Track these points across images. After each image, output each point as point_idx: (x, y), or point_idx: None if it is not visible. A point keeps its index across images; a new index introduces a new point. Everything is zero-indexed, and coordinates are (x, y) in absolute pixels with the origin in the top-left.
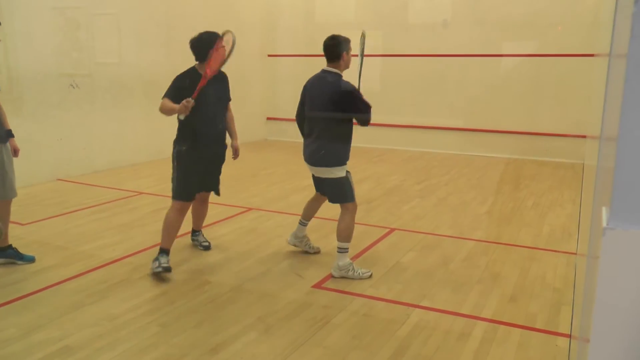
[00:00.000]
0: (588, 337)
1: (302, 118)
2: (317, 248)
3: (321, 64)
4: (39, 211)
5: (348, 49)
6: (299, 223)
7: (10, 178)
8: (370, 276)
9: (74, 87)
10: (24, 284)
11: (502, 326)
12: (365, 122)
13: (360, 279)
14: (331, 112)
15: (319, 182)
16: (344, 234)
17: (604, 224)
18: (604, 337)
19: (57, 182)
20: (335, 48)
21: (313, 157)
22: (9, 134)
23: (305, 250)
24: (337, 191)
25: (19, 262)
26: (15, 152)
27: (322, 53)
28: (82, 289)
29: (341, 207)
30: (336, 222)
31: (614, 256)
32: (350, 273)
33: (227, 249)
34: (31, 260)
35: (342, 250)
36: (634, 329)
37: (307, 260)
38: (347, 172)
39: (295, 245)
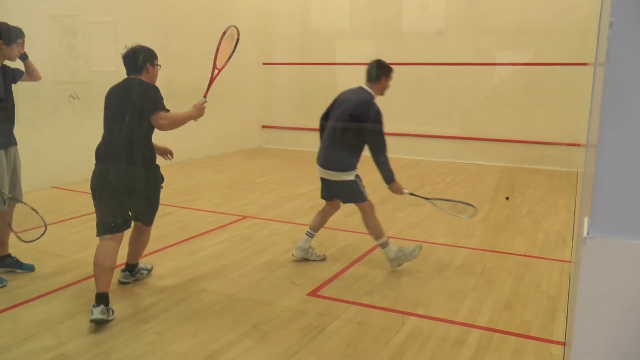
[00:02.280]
0: (571, 342)
1: (324, 125)
2: (323, 255)
3: (317, 71)
4: (34, 219)
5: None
6: (306, 234)
7: (20, 182)
8: (420, 248)
9: (74, 98)
10: (19, 292)
11: (496, 334)
12: (377, 154)
13: (413, 257)
14: (349, 123)
15: (327, 186)
16: (374, 232)
17: (585, 233)
18: (585, 342)
19: (52, 189)
20: (376, 71)
21: (323, 159)
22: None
23: (309, 259)
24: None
25: (19, 270)
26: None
27: (319, 61)
28: (77, 297)
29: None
30: (331, 230)
31: (593, 264)
32: (403, 258)
33: (223, 257)
34: (30, 269)
35: (383, 246)
36: (613, 334)
37: (302, 268)
38: (357, 175)
39: (302, 258)
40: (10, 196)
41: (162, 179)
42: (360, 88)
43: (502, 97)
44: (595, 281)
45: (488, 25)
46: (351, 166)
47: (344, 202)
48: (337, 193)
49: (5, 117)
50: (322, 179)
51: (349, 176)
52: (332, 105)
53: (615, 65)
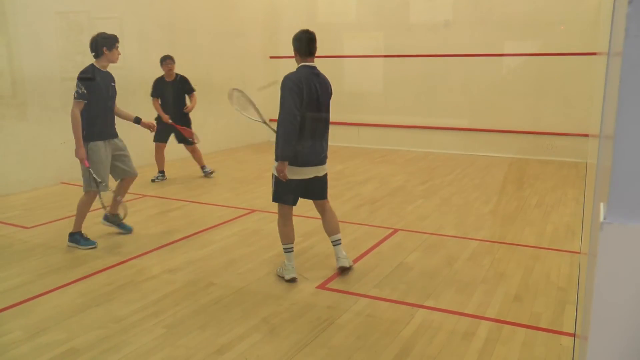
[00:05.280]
0: (587, 335)
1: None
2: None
3: (324, 64)
4: (43, 214)
5: None
6: (290, 251)
7: (130, 161)
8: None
9: None
10: (29, 287)
11: (506, 325)
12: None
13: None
14: (328, 109)
15: (312, 185)
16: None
17: (602, 218)
18: (603, 333)
19: (61, 185)
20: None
21: (321, 156)
22: (137, 120)
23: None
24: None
25: (123, 230)
26: (150, 127)
27: (326, 54)
28: (87, 292)
29: (326, 201)
30: (339, 223)
31: (611, 251)
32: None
33: (232, 251)
34: (129, 230)
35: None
36: (633, 325)
37: (312, 262)
38: None
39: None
40: (103, 182)
41: None
42: (314, 67)
43: (511, 88)
44: (613, 267)
45: (496, 16)
46: None
47: (324, 198)
48: (324, 188)
49: (109, 113)
50: (311, 180)
51: None
52: (308, 92)
53: (635, 44)
